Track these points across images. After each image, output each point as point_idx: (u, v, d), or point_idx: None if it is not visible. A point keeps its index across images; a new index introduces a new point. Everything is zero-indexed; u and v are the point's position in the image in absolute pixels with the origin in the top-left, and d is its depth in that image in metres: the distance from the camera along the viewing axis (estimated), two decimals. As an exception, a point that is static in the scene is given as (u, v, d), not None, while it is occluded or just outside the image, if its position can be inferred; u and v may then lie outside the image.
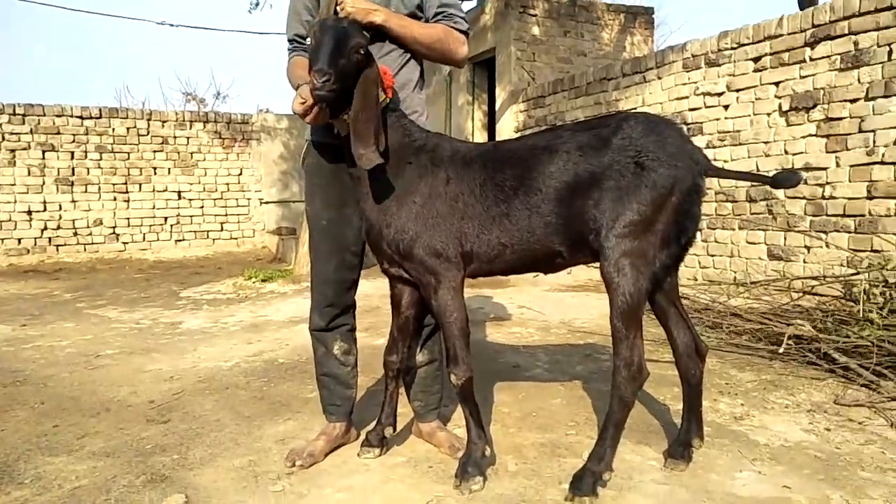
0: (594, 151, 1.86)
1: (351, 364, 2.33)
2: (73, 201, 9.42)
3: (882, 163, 4.15)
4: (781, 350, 3.19)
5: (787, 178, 1.90)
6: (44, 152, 9.20)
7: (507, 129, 8.30)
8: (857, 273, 4.12)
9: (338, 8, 1.98)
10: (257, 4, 9.39)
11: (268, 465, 2.19)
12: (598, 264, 1.88)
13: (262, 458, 2.24)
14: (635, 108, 6.30)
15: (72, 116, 9.36)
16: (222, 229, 10.49)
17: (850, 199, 4.39)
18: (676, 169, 1.80)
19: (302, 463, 2.14)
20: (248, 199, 10.67)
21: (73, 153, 9.39)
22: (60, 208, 9.35)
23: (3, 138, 8.96)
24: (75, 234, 9.45)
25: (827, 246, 4.51)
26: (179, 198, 10.14)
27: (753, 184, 4.91)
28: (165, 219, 10.05)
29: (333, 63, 1.77)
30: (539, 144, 1.95)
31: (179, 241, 10.15)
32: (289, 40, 2.18)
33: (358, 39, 1.85)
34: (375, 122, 1.85)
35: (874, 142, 4.24)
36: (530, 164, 1.92)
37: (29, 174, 9.13)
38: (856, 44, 4.32)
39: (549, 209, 1.89)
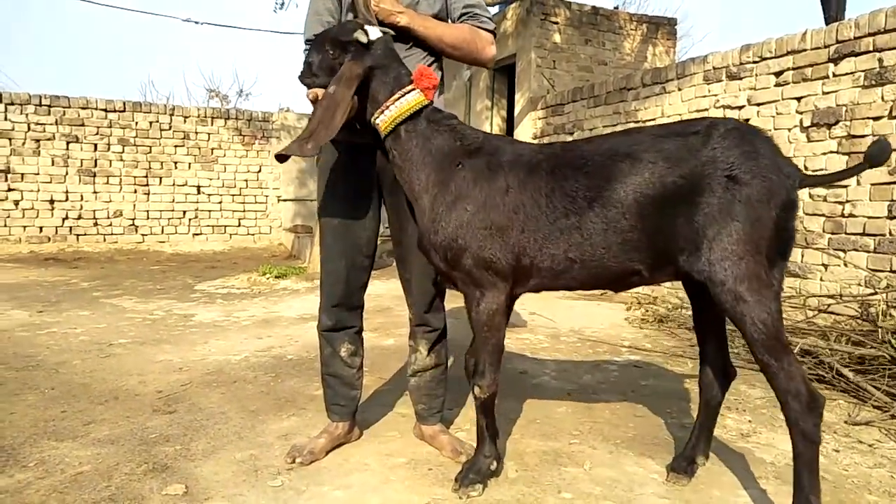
0: (682, 162, 1.69)
1: (356, 366, 2.31)
2: (95, 192, 9.56)
3: (904, 182, 4.08)
4: (793, 368, 3.14)
5: (878, 150, 1.65)
6: (68, 143, 9.35)
7: (524, 135, 8.28)
8: (875, 293, 4.06)
9: (371, 8, 1.99)
10: (283, 5, 9.48)
11: (269, 459, 2.20)
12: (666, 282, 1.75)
13: (264, 453, 2.25)
14: (654, 119, 6.26)
15: (96, 109, 9.50)
16: (239, 225, 10.58)
17: (870, 217, 4.32)
18: (771, 182, 1.65)
19: (302, 460, 2.14)
20: (266, 196, 10.75)
21: (96, 145, 9.53)
22: (82, 198, 9.48)
23: (29, 128, 9.12)
24: (95, 224, 9.58)
25: (845, 265, 4.44)
26: (199, 192, 10.25)
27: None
28: (184, 213, 10.15)
29: (310, 56, 1.93)
30: (618, 151, 1.77)
31: (197, 235, 10.25)
32: (306, 41, 2.16)
33: (332, 40, 1.90)
34: (321, 117, 1.81)
35: (896, 161, 4.18)
36: (608, 174, 1.74)
37: (53, 164, 9.28)
38: (880, 61, 4.25)
39: (630, 224, 1.72)
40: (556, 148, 1.90)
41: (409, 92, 1.91)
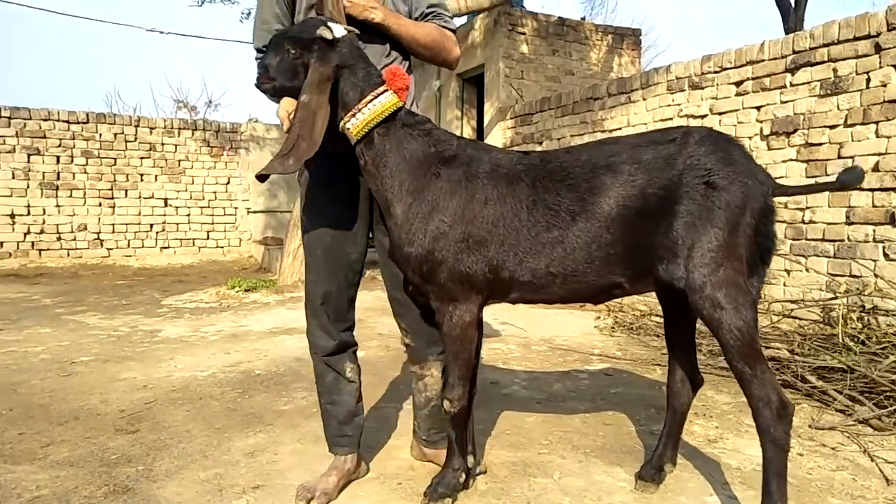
0: (660, 171, 1.69)
1: (357, 385, 2.15)
2: (58, 206, 9.34)
3: (860, 189, 4.20)
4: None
5: (852, 177, 1.68)
6: (29, 156, 9.13)
7: (495, 144, 8.34)
8: (836, 298, 4.16)
9: (343, 4, 1.87)
10: (249, 14, 9.39)
11: (234, 478, 2.15)
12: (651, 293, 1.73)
13: (229, 471, 2.21)
14: (620, 129, 6.35)
15: (58, 121, 9.30)
16: (208, 238, 10.42)
17: (829, 223, 4.44)
18: (747, 187, 1.65)
19: (317, 503, 1.96)
20: (235, 208, 10.62)
21: (58, 157, 9.32)
22: (44, 213, 9.26)
23: (-12, 141, 8.89)
24: (59, 238, 9.35)
25: (806, 270, 4.55)
26: (166, 205, 10.08)
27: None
28: (151, 226, 9.97)
29: (267, 58, 1.82)
30: (597, 163, 1.74)
31: (165, 248, 10.07)
32: (257, 50, 2.00)
33: (293, 38, 1.78)
34: (299, 130, 1.71)
35: (853, 168, 4.30)
36: (590, 186, 1.72)
37: (13, 177, 9.05)
38: (835, 71, 4.38)
39: (613, 237, 1.71)
40: (535, 158, 1.85)
41: (382, 93, 1.81)
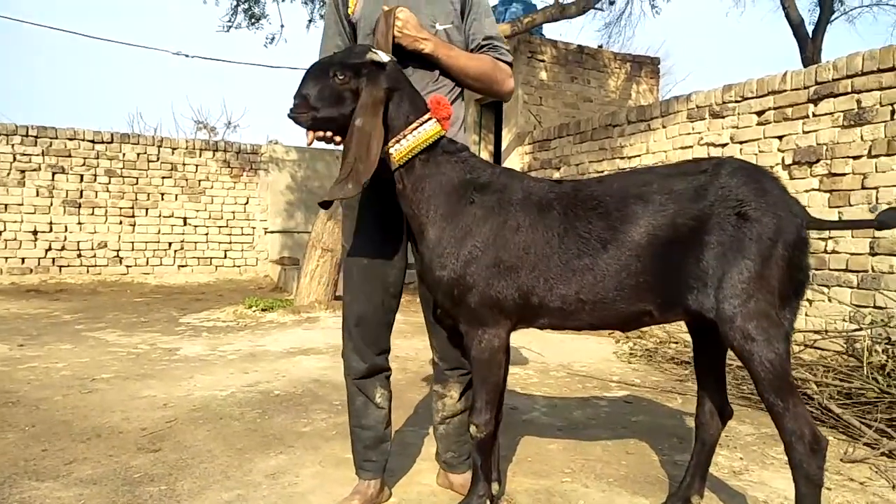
0: (691, 201, 1.71)
1: (387, 411, 2.15)
2: (80, 223, 9.46)
3: (884, 219, 4.16)
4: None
5: (892, 218, 1.68)
6: (53, 174, 9.29)
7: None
8: (860, 329, 4.10)
9: (393, 34, 1.89)
10: (273, 39, 9.57)
11: (256, 500, 2.15)
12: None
13: (251, 493, 2.20)
14: (639, 156, 6.37)
15: (83, 140, 9.48)
16: (226, 257, 10.50)
17: (852, 254, 4.40)
18: (780, 219, 1.66)
19: None
20: (253, 227, 10.71)
21: (82, 176, 9.47)
22: (66, 230, 9.39)
23: (15, 159, 9.06)
24: (79, 255, 9.47)
25: (829, 300, 4.50)
26: (185, 224, 10.19)
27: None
28: (170, 244, 10.07)
29: (305, 88, 1.78)
30: (629, 192, 1.77)
31: (182, 266, 10.15)
32: None
33: (341, 64, 1.77)
34: (355, 153, 1.72)
35: (877, 199, 4.27)
36: (621, 215, 1.74)
37: (37, 195, 9.20)
38: (859, 102, 4.38)
39: (643, 266, 1.72)
40: (567, 187, 1.88)
41: (426, 121, 1.84)
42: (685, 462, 2.39)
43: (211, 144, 10.55)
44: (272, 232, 10.79)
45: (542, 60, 8.82)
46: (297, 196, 10.88)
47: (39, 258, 9.23)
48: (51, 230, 9.29)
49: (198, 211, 10.26)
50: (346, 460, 2.34)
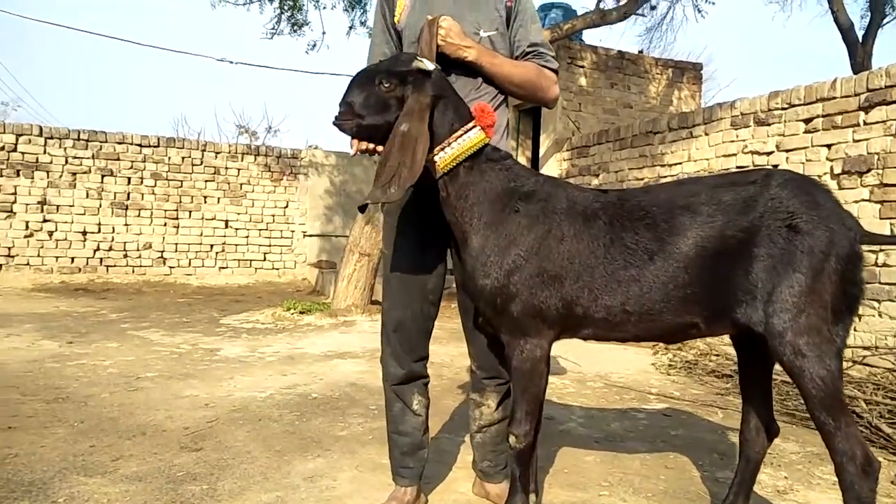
0: (740, 213, 1.67)
1: (424, 418, 2.15)
2: (126, 225, 9.77)
3: (940, 232, 4.01)
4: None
5: None
6: (103, 177, 9.61)
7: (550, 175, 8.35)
8: (912, 345, 3.96)
9: (436, 42, 1.89)
10: (314, 46, 9.73)
11: (294, 502, 2.18)
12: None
13: (290, 495, 2.24)
14: (680, 164, 6.26)
15: (132, 144, 9.78)
16: (265, 259, 10.70)
17: (904, 267, 4.25)
18: (833, 233, 1.61)
19: None
20: (292, 231, 10.89)
21: (129, 179, 9.77)
22: (113, 231, 9.69)
23: (67, 162, 9.40)
24: (125, 256, 9.76)
25: (880, 315, 4.35)
26: (226, 226, 10.42)
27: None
28: (211, 246, 10.31)
29: (351, 96, 1.80)
30: (676, 203, 1.74)
31: (223, 268, 10.38)
32: None
33: (387, 72, 1.78)
34: (399, 157, 1.71)
35: (931, 210, 4.12)
36: (668, 227, 1.72)
37: (87, 197, 9.53)
38: (913, 110, 4.24)
39: (691, 278, 1.69)
40: (613, 197, 1.86)
41: (471, 129, 1.84)
42: (726, 479, 2.34)
43: (252, 149, 10.77)
44: (310, 235, 10.95)
45: (582, 66, 8.76)
46: (335, 200, 11.02)
47: (88, 258, 9.55)
48: (99, 231, 9.60)
49: (239, 214, 10.48)
50: (383, 465, 2.36)
